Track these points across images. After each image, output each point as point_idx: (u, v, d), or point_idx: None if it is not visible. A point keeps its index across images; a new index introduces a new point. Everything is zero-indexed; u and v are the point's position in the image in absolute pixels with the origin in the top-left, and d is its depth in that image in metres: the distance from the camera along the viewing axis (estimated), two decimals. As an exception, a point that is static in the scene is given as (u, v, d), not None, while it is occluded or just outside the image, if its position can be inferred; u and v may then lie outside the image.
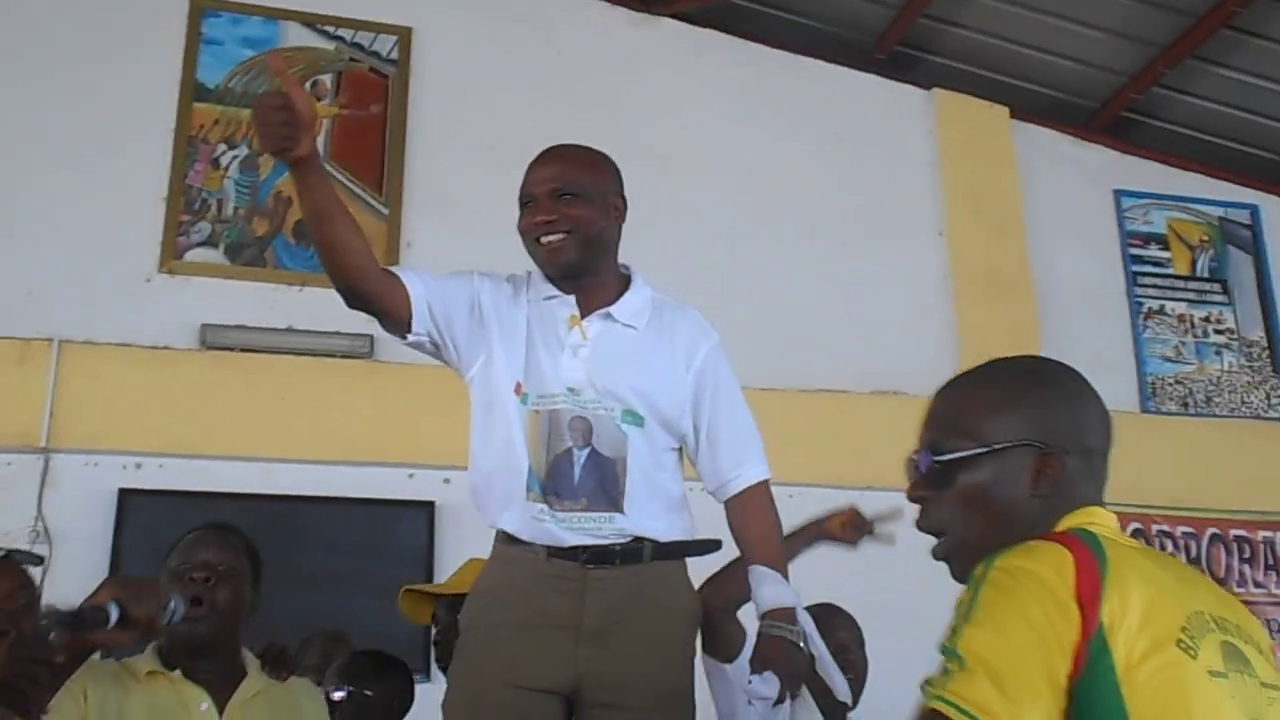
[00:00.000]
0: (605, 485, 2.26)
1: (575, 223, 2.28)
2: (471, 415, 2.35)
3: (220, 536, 2.48)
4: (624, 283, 2.41)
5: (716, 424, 2.37)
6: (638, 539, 2.25)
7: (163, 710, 2.31)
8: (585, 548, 2.21)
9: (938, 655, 1.29)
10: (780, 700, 2.20)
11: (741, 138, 5.75)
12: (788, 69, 5.94)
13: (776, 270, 5.50)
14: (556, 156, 2.39)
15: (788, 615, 2.26)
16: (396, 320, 2.29)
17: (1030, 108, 6.21)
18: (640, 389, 2.31)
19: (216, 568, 2.39)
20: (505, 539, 2.27)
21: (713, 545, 2.39)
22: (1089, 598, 1.31)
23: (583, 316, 2.34)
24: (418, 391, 4.94)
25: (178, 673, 2.37)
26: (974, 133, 6.08)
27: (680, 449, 2.40)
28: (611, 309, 2.35)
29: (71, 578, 4.37)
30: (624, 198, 2.43)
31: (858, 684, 3.06)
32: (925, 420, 1.62)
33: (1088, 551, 1.35)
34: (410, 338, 2.31)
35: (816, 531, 2.93)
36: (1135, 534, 5.55)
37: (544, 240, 2.30)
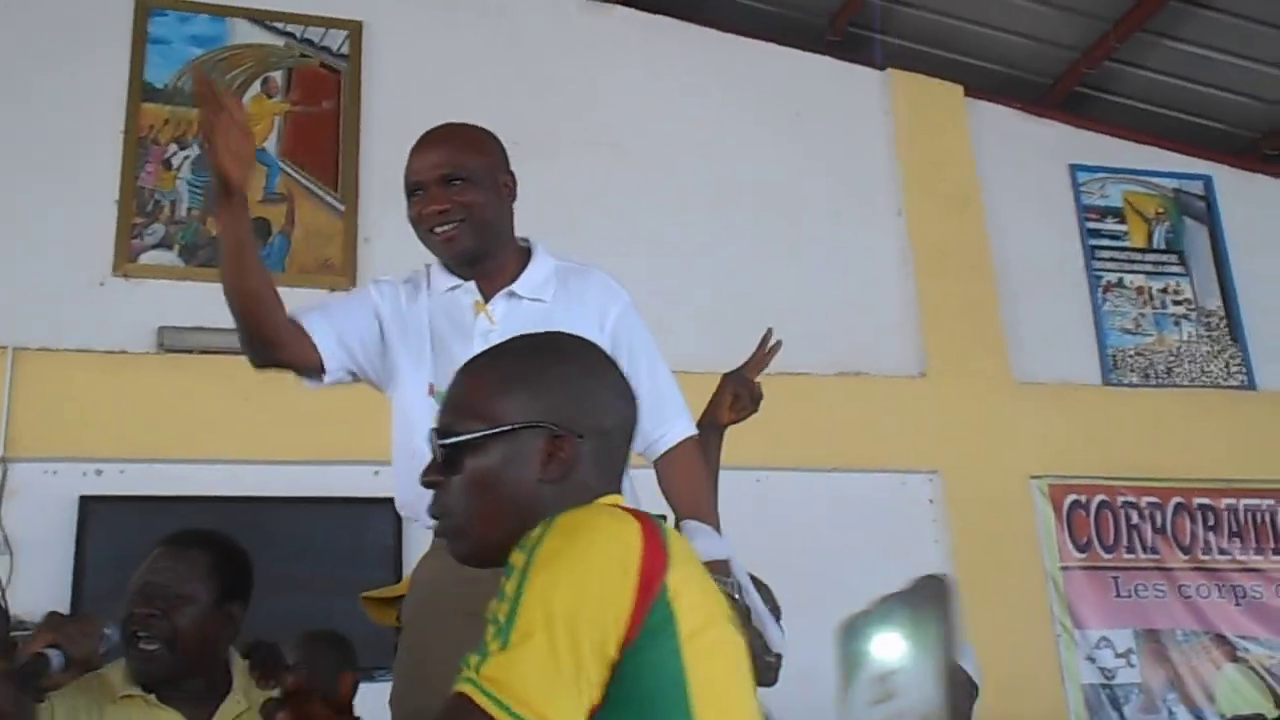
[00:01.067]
0: None
1: (468, 210, 2.24)
2: (393, 430, 2.31)
3: (176, 558, 2.30)
4: (525, 257, 2.35)
5: (635, 384, 2.26)
6: None
7: None
8: None
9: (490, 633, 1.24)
10: None
11: (697, 122, 5.73)
12: (741, 52, 5.93)
13: (736, 254, 5.50)
14: (441, 140, 2.33)
15: (721, 568, 2.23)
16: (309, 369, 2.26)
17: (984, 85, 6.23)
18: None
19: (166, 595, 2.23)
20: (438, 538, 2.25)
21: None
22: (652, 562, 1.29)
23: (486, 300, 2.29)
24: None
25: (154, 696, 2.23)
26: (928, 112, 6.09)
27: None
28: (514, 286, 2.30)
29: (34, 587, 4.35)
30: (513, 174, 2.37)
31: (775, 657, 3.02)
32: (442, 403, 1.54)
33: (650, 522, 1.35)
34: (327, 379, 2.28)
35: (714, 427, 2.82)
36: (1101, 506, 5.60)
37: (438, 230, 2.26)
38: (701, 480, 2.39)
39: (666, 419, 2.35)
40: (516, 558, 1.28)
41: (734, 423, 2.82)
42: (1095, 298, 6.04)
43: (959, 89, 6.17)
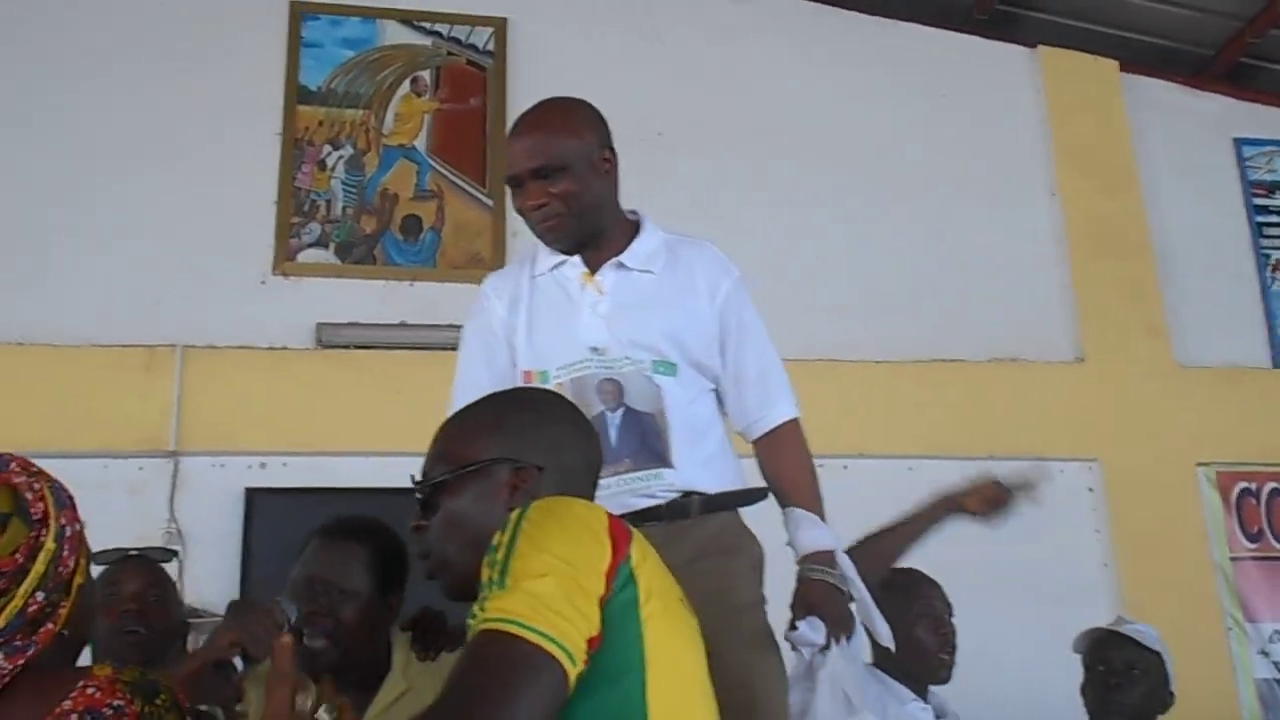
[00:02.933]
0: (648, 441, 2.16)
1: (564, 200, 2.21)
2: None
3: (337, 552, 2.33)
4: (633, 230, 2.32)
5: (742, 362, 2.28)
6: (685, 494, 2.15)
7: None
8: (632, 514, 2.04)
9: (483, 590, 1.36)
10: (826, 646, 2.12)
11: (845, 107, 5.66)
12: (887, 35, 5.83)
13: (887, 240, 5.41)
14: (532, 128, 2.27)
15: (827, 558, 2.19)
16: None
17: (1140, 59, 6.01)
18: (670, 333, 2.22)
19: (330, 592, 2.26)
20: None
21: (760, 494, 2.29)
22: (619, 535, 1.42)
23: (594, 272, 2.26)
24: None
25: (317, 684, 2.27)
26: (1082, 88, 5.90)
27: (715, 391, 2.30)
28: (622, 257, 2.26)
29: (205, 576, 4.52)
30: (611, 149, 2.30)
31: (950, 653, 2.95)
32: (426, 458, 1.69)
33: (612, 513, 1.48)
34: None
35: (949, 507, 2.84)
36: (1273, 494, 5.37)
37: (539, 224, 2.26)
38: (803, 465, 2.30)
39: (771, 400, 2.30)
40: (497, 537, 1.40)
41: (975, 515, 2.90)
42: (1263, 277, 5.78)
43: (1114, 64, 5.96)
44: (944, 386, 5.20)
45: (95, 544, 4.12)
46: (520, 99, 5.40)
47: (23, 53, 5.12)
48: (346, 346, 4.92)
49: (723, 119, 5.55)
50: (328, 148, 5.19)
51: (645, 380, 2.18)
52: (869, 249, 5.38)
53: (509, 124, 5.25)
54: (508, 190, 5.41)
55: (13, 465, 1.49)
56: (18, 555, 1.42)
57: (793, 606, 2.16)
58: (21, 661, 1.40)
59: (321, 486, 4.67)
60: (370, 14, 5.40)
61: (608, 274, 2.26)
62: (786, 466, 2.28)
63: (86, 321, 4.76)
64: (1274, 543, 5.29)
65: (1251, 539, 5.28)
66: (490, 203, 5.22)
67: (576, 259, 2.28)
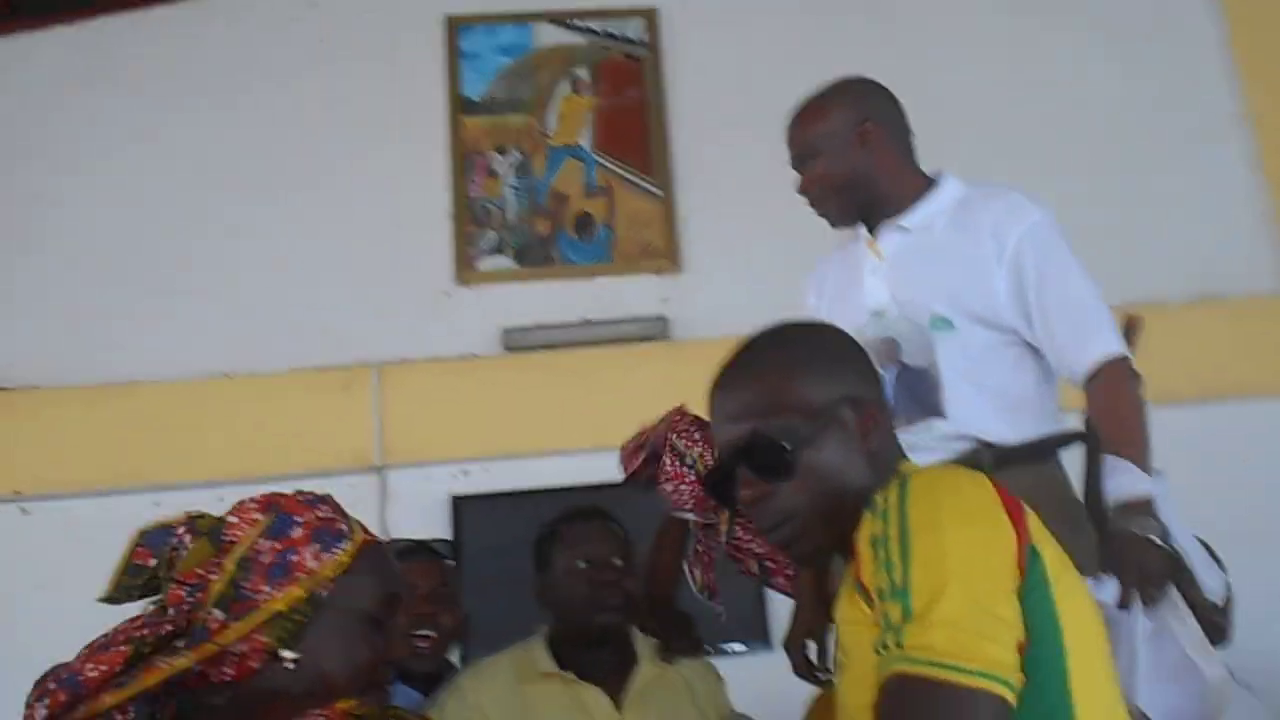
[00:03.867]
0: (919, 395, 2.17)
1: (821, 183, 2.32)
2: None
3: (601, 530, 2.60)
4: (926, 190, 2.34)
5: (1046, 307, 2.20)
6: (978, 443, 2.11)
7: (566, 715, 2.33)
8: None
9: (884, 601, 1.20)
10: (1125, 604, 1.97)
11: (1017, 57, 5.49)
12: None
13: (1070, 182, 5.18)
14: (791, 121, 2.40)
15: (1140, 508, 2.05)
16: None
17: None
18: (946, 290, 2.21)
19: (611, 565, 2.47)
20: None
21: (1062, 440, 2.19)
22: (1013, 508, 1.25)
23: (876, 238, 2.34)
24: (716, 364, 4.97)
25: (571, 674, 2.38)
26: (1266, 3, 5.60)
27: (1025, 343, 2.23)
28: (902, 220, 2.30)
29: (421, 584, 4.66)
30: (881, 116, 2.34)
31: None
32: (727, 415, 1.49)
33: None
34: None
35: None
36: None
37: (812, 206, 2.37)
38: (1120, 406, 2.15)
39: (1084, 340, 2.18)
40: (875, 526, 1.26)
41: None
42: None
43: (1295, -27, 5.64)
44: (1147, 332, 4.99)
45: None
46: (677, 85, 5.43)
47: (188, 85, 5.30)
48: (533, 348, 5.00)
49: (893, 88, 5.44)
50: (495, 155, 5.27)
51: (920, 336, 2.19)
52: (1053, 197, 5.15)
53: (669, 112, 5.34)
54: (675, 178, 5.44)
55: (248, 502, 1.58)
56: (200, 570, 1.48)
57: (1102, 562, 2.05)
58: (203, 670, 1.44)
59: (523, 489, 4.76)
60: (523, 19, 5.45)
61: (888, 237, 2.31)
62: (1102, 411, 2.16)
63: (284, 349, 4.93)
64: None
65: None
66: (659, 192, 5.23)
67: (862, 228, 2.36)
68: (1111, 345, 2.18)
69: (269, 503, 1.56)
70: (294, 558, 1.49)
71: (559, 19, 5.47)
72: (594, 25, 5.48)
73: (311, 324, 4.99)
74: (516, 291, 5.11)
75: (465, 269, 5.12)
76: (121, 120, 5.23)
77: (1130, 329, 2.54)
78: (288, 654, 1.45)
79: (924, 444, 2.10)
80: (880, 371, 1.62)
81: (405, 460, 4.83)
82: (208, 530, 1.51)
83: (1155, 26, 5.59)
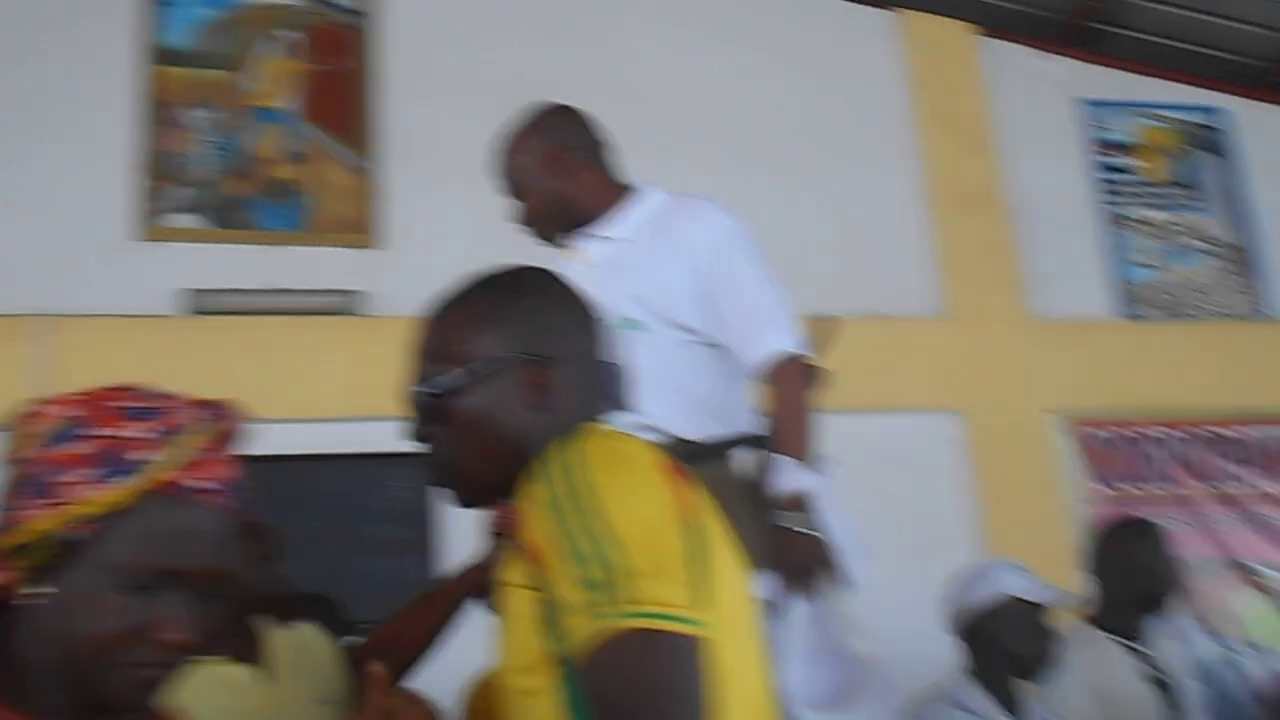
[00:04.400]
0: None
1: (531, 214, 2.47)
2: None
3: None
4: (626, 200, 2.48)
5: (726, 303, 2.32)
6: (662, 438, 2.16)
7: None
8: None
9: (577, 563, 1.19)
10: (784, 593, 2.10)
11: (709, 66, 5.74)
12: (751, 1, 5.93)
13: (753, 198, 5.39)
14: (495, 158, 2.53)
15: (794, 503, 2.17)
16: None
17: (995, 23, 6.21)
18: (636, 294, 2.32)
19: None
20: None
21: (745, 440, 2.27)
22: (677, 476, 1.31)
23: (583, 246, 2.47)
24: (405, 345, 4.97)
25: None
26: (940, 51, 6.10)
27: (712, 347, 2.34)
28: (604, 229, 2.45)
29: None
30: (558, 143, 2.47)
31: None
32: (414, 353, 1.50)
33: (651, 443, 1.36)
34: None
35: None
36: (1120, 440, 5.66)
37: (531, 236, 2.51)
38: (785, 407, 2.26)
39: (756, 335, 2.30)
40: (546, 488, 1.26)
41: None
42: (1110, 233, 6.06)
43: (970, 28, 6.16)
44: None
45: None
46: (392, 59, 5.39)
47: None
48: (218, 312, 4.85)
49: (594, 78, 5.56)
50: (192, 110, 5.08)
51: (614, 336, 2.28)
52: (734, 207, 5.45)
53: (381, 85, 5.28)
54: (380, 152, 5.38)
55: (71, 394, 1.24)
56: None
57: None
58: None
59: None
60: (232, -29, 5.28)
61: (590, 245, 2.44)
62: (768, 406, 2.27)
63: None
64: (1120, 486, 5.59)
65: (1100, 483, 5.56)
66: (363, 165, 5.18)
67: (575, 239, 2.48)
68: (782, 343, 2.30)
69: (84, 401, 1.22)
70: (56, 478, 1.16)
71: (272, -23, 5.33)
72: (309, -13, 5.37)
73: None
74: (204, 252, 4.95)
75: (148, 224, 4.90)
76: None
77: (828, 330, 2.72)
78: (31, 589, 1.15)
79: None
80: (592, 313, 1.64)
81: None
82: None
83: (843, 61, 5.98)
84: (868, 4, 6.09)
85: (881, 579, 4.88)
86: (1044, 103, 6.20)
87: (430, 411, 1.44)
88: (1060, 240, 5.96)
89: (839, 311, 5.30)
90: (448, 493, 1.48)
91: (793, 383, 2.28)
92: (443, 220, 5.19)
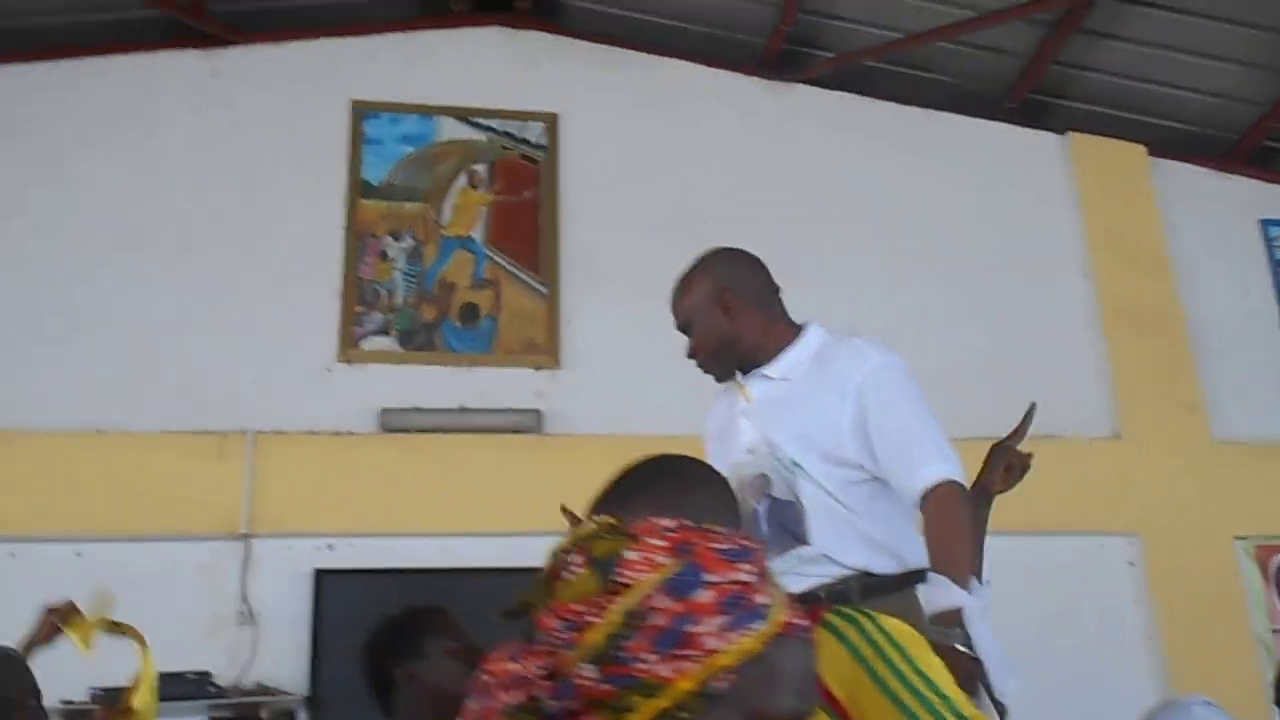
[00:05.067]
0: (788, 525, 2.39)
1: (699, 351, 2.59)
2: None
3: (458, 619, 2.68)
4: (791, 340, 2.58)
5: (885, 440, 2.39)
6: (845, 578, 2.30)
7: None
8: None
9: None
10: None
11: (882, 193, 5.89)
12: (922, 124, 6.07)
13: (927, 320, 5.59)
14: (671, 297, 2.66)
15: (948, 619, 2.22)
16: None
17: (1168, 144, 6.22)
18: (797, 434, 2.44)
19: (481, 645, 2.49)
20: None
21: (918, 575, 2.36)
22: None
23: (747, 385, 2.59)
24: (587, 460, 5.13)
25: None
26: (1111, 173, 6.12)
27: (875, 481, 2.42)
28: (766, 369, 2.55)
29: (276, 654, 4.69)
30: (726, 286, 2.57)
31: None
32: None
33: None
34: None
35: (985, 497, 2.88)
36: (1308, 566, 5.48)
37: (699, 369, 2.63)
38: (941, 528, 2.33)
39: (913, 466, 2.36)
40: (869, 670, 1.45)
41: (1004, 491, 2.86)
42: (1294, 354, 5.94)
43: (1142, 149, 6.19)
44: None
45: (163, 621, 4.24)
46: (571, 190, 5.66)
47: (86, 139, 5.37)
48: (409, 431, 5.11)
49: (764, 206, 5.77)
50: (389, 239, 5.42)
51: (784, 473, 2.42)
52: (908, 330, 5.52)
53: (561, 214, 5.56)
54: (561, 277, 5.63)
55: (661, 523, 1.22)
56: (579, 607, 1.17)
57: None
58: None
59: (386, 567, 4.84)
60: (428, 111, 5.65)
61: (755, 384, 2.56)
62: (928, 531, 2.34)
63: (161, 410, 4.96)
64: (1314, 615, 5.40)
65: (1291, 612, 5.39)
66: (545, 290, 5.43)
67: (739, 376, 2.60)
68: (939, 472, 2.35)
69: (681, 542, 1.20)
70: (691, 629, 1.13)
71: (463, 115, 5.68)
72: (495, 124, 5.70)
73: (191, 386, 5.03)
74: (397, 373, 5.23)
75: (349, 347, 5.22)
76: (12, 169, 5.25)
77: (1026, 418, 2.84)
78: None
79: (791, 569, 2.33)
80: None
81: (271, 530, 4.87)
82: (601, 559, 1.18)
83: (1014, 184, 6.07)
84: (1039, 128, 6.16)
85: (1057, 700, 4.83)
86: (1221, 222, 6.16)
87: None
88: (1241, 361, 5.87)
89: (1004, 431, 5.37)
90: None
91: (950, 505, 2.33)
92: (621, 341, 5.40)
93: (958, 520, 2.33)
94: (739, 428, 2.55)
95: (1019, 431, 2.89)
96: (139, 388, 5.02)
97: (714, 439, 2.67)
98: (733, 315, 2.56)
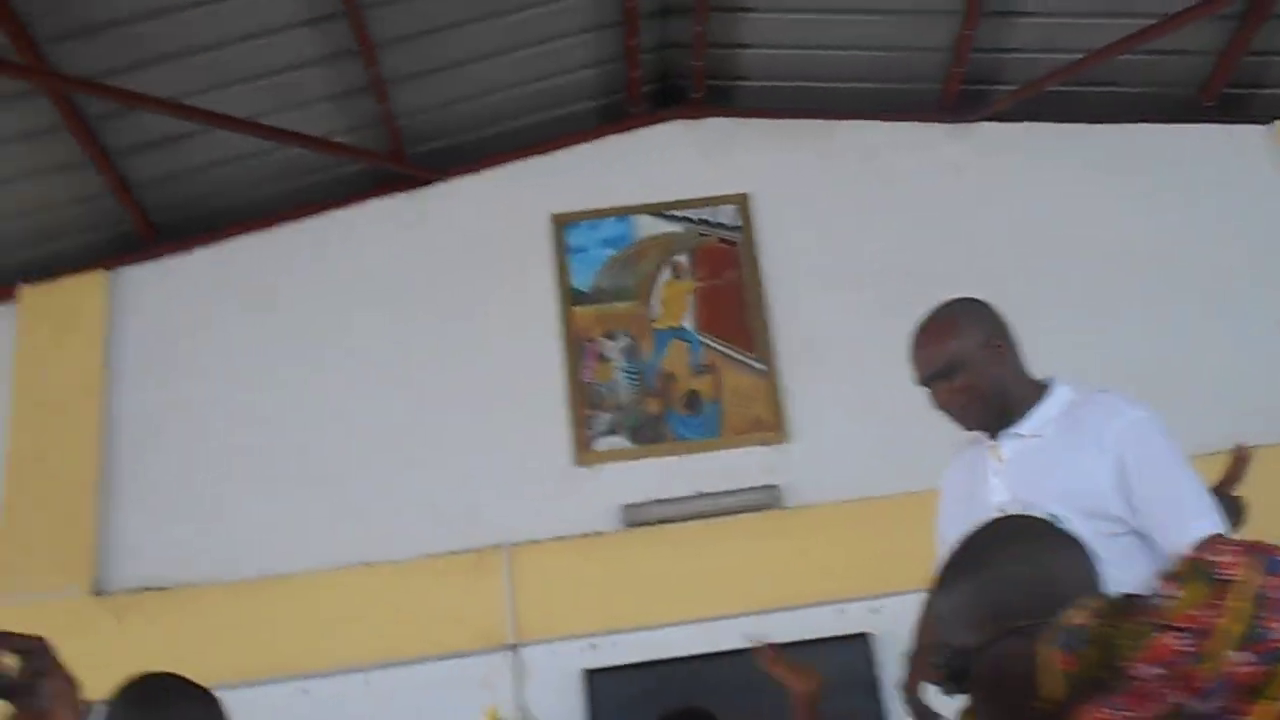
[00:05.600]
0: None
1: (963, 396, 2.57)
2: None
3: None
4: (1039, 397, 2.59)
5: (1149, 496, 2.40)
6: None
7: None
8: None
9: None
10: None
11: (1086, 217, 5.78)
12: (1117, 140, 5.94)
13: (1157, 340, 5.44)
14: (923, 339, 2.64)
15: None
16: None
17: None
18: (1056, 491, 2.43)
19: None
20: None
21: None
22: None
23: (997, 443, 2.60)
24: (829, 529, 5.18)
25: None
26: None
27: (1135, 534, 2.42)
28: (1018, 427, 2.56)
29: (559, 757, 4.85)
30: (1000, 333, 2.61)
31: None
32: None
33: None
34: None
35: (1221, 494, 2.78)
36: None
37: (953, 417, 2.62)
38: None
39: (1183, 524, 2.36)
40: None
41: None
42: None
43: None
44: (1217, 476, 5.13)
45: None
46: (771, 265, 5.75)
47: (339, 319, 5.76)
48: (652, 523, 5.24)
49: (966, 247, 5.74)
50: (605, 341, 5.60)
51: None
52: (1142, 352, 5.39)
53: (765, 290, 5.64)
54: (776, 352, 5.69)
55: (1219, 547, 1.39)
56: (1197, 613, 1.31)
57: None
58: None
59: (650, 659, 4.96)
60: (624, 212, 5.85)
61: (1006, 443, 2.58)
62: None
63: (417, 535, 5.23)
64: None
65: None
66: (762, 367, 5.52)
67: (985, 435, 2.63)
68: (1209, 528, 2.35)
69: (1246, 546, 1.37)
70: None
71: (657, 210, 5.86)
72: (690, 214, 5.86)
73: (442, 510, 5.29)
74: (633, 469, 5.39)
75: (583, 450, 5.41)
76: (257, 330, 5.66)
77: (1241, 460, 2.70)
78: None
79: None
80: None
81: (536, 637, 5.06)
82: (1199, 568, 1.34)
83: (1224, 184, 5.87)
84: (1240, 122, 5.96)
85: None
86: None
87: (957, 678, 1.64)
88: None
89: (1253, 441, 5.14)
90: None
91: None
92: (843, 407, 5.44)
93: None
94: (988, 486, 2.56)
95: (1232, 477, 2.80)
96: (393, 519, 5.30)
97: (956, 499, 2.68)
98: (1003, 364, 2.59)
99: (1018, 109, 5.98)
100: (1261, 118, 5.96)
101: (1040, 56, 5.82)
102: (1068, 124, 5.98)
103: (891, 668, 4.88)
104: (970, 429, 2.64)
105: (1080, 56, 5.72)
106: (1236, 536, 2.69)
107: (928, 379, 2.60)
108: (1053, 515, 2.41)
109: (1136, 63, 5.82)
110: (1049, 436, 2.52)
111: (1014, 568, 1.69)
